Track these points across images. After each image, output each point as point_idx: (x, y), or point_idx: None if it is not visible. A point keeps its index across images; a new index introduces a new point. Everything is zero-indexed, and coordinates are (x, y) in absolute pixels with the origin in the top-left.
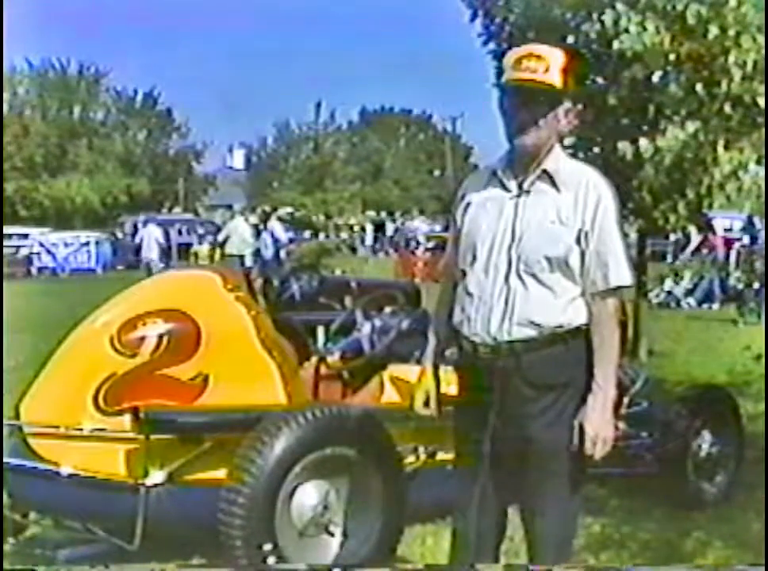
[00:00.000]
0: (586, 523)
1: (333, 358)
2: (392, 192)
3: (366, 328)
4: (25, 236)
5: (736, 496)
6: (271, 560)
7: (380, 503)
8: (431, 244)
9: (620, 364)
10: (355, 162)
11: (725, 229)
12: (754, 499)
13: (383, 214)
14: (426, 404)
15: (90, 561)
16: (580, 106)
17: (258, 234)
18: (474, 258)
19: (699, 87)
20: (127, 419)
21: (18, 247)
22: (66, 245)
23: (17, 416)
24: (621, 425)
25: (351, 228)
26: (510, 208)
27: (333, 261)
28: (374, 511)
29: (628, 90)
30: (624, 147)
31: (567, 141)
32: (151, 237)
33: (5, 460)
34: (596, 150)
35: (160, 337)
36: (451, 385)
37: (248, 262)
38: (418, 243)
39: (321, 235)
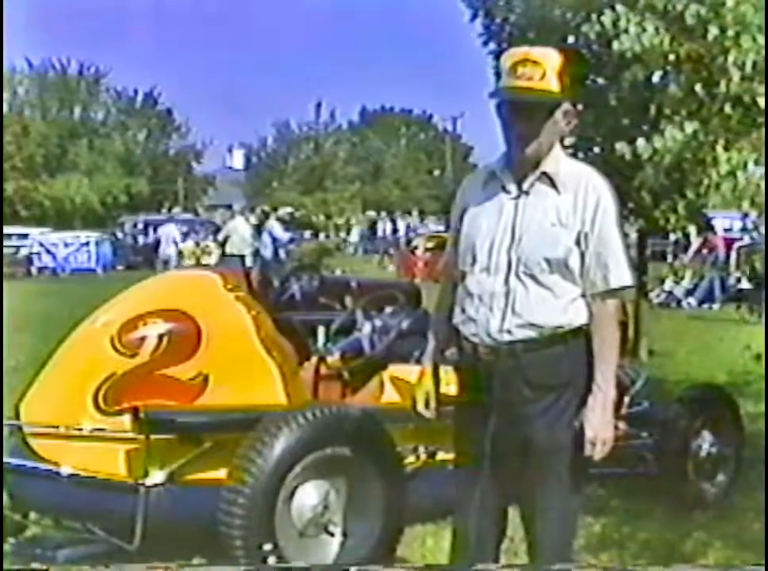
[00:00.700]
0: (586, 523)
1: (333, 358)
2: (392, 192)
3: (367, 328)
4: (25, 236)
5: (736, 496)
6: (271, 560)
7: (380, 504)
8: (431, 244)
9: (620, 364)
10: (355, 162)
11: (725, 229)
12: (754, 499)
13: (383, 214)
14: (426, 404)
15: (90, 561)
16: (579, 106)
17: (258, 234)
18: (474, 259)
19: (698, 87)
20: (127, 419)
21: (18, 247)
22: (66, 245)
23: (17, 416)
24: (621, 425)
25: (349, 229)
26: (510, 210)
27: (333, 261)
28: (374, 511)
29: (628, 90)
30: (622, 147)
31: (567, 141)
32: (169, 237)
33: (5, 460)
34: (596, 150)
35: (160, 337)
36: (450, 385)
37: (248, 262)
38: (409, 242)
39: (321, 235)
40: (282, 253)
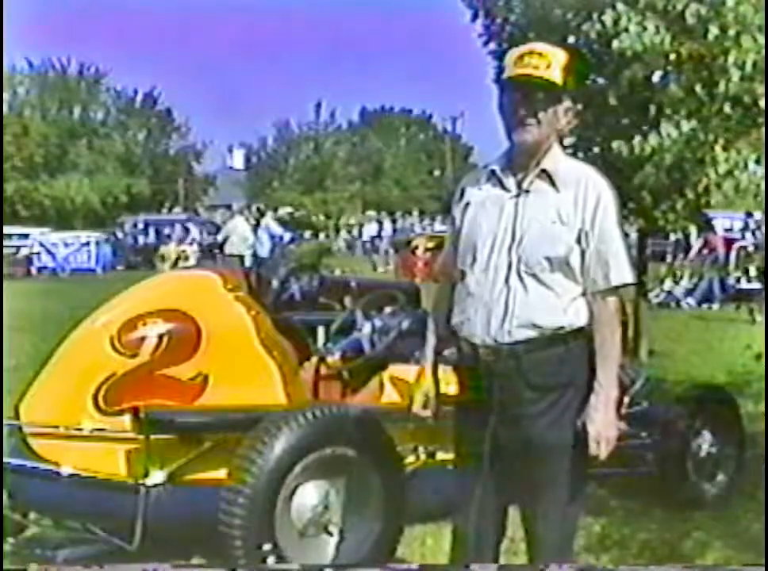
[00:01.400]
0: (586, 523)
1: (333, 358)
2: (392, 192)
3: (367, 328)
4: (25, 236)
5: (736, 496)
6: (271, 560)
7: (380, 503)
8: (431, 244)
9: (620, 364)
10: (355, 162)
11: (725, 229)
12: (754, 499)
13: (383, 214)
14: (425, 404)
15: (90, 561)
16: (580, 106)
17: (256, 233)
18: (474, 258)
19: (698, 87)
20: (127, 419)
21: (18, 247)
22: (66, 245)
23: (17, 416)
24: (621, 425)
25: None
26: (510, 208)
27: (333, 261)
28: (374, 511)
29: (628, 89)
30: (620, 145)
31: (567, 141)
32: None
33: (5, 460)
34: (596, 150)
35: (160, 337)
36: (450, 386)
37: (248, 262)
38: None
39: (321, 236)
40: (273, 252)
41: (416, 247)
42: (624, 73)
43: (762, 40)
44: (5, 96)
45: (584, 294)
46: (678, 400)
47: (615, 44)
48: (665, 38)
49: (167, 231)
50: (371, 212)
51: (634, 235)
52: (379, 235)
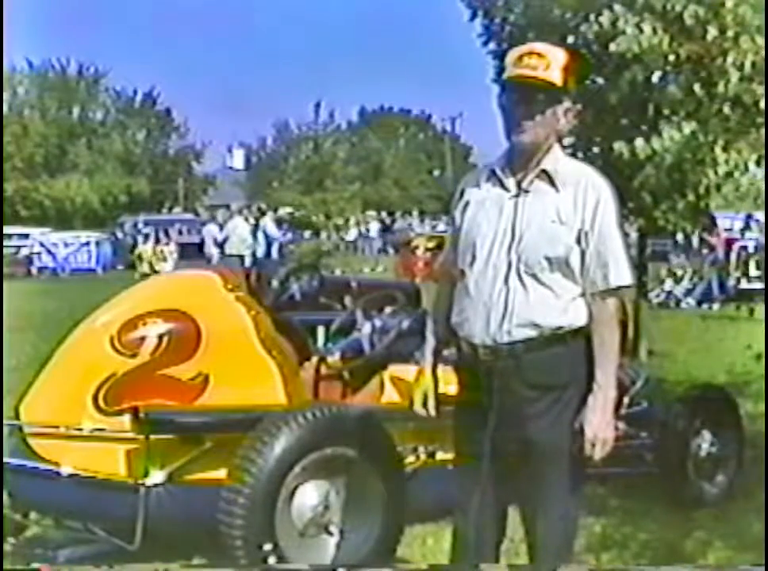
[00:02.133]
0: (587, 523)
1: (333, 358)
2: (392, 192)
3: (367, 328)
4: (25, 236)
5: (736, 496)
6: (271, 560)
7: (380, 503)
8: (431, 244)
9: (620, 364)
10: (355, 162)
11: (725, 229)
12: (754, 499)
13: (383, 214)
14: (424, 404)
15: (90, 561)
16: (579, 106)
17: (255, 233)
18: (474, 258)
19: (698, 88)
20: (127, 419)
21: (18, 247)
22: (66, 245)
23: (17, 416)
24: (621, 425)
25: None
26: (510, 208)
27: (333, 261)
28: (374, 511)
29: (628, 90)
30: (621, 147)
31: (567, 141)
32: (209, 236)
33: (5, 460)
34: (596, 150)
35: (160, 337)
36: (450, 385)
37: (248, 262)
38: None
39: (322, 235)
40: (273, 250)
41: (416, 247)
42: (624, 74)
43: (760, 40)
44: (5, 96)
45: (583, 294)
46: (678, 400)
47: (613, 46)
48: (663, 39)
49: (145, 231)
50: (371, 212)
51: (634, 235)
52: (364, 235)
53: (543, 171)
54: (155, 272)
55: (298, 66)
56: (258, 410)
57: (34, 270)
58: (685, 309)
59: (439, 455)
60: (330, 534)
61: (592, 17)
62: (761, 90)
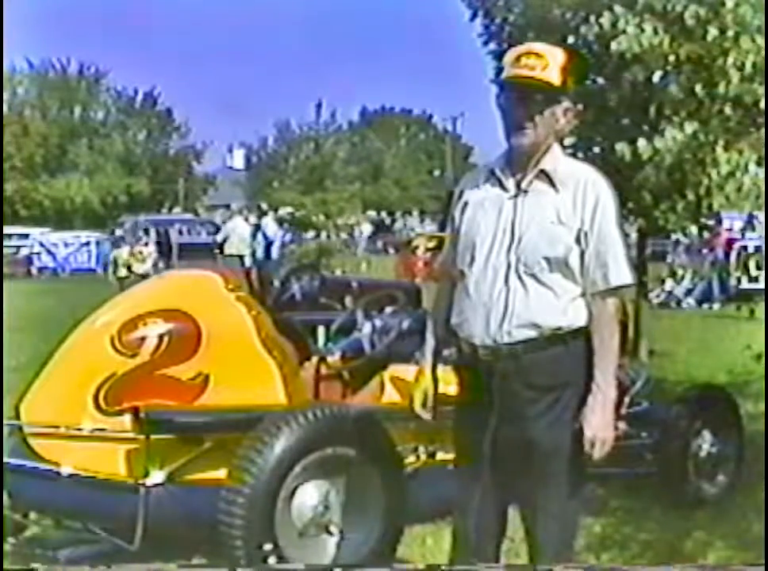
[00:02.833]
0: (587, 523)
1: (334, 358)
2: (392, 192)
3: (367, 328)
4: (25, 236)
5: (736, 496)
6: (271, 560)
7: (380, 503)
8: (431, 244)
9: (620, 364)
10: (355, 162)
11: (725, 229)
12: (754, 499)
13: (383, 214)
14: (423, 403)
15: (90, 561)
16: (579, 106)
17: (254, 234)
18: (473, 258)
19: (698, 88)
20: (127, 419)
21: (18, 247)
22: (66, 245)
23: (17, 416)
24: (621, 425)
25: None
26: (509, 208)
27: (335, 261)
28: (374, 511)
29: (628, 90)
30: (622, 147)
31: (567, 141)
32: (235, 231)
33: (5, 460)
34: (596, 150)
35: (161, 337)
36: (450, 385)
37: (248, 262)
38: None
39: (321, 235)
40: (274, 252)
41: (416, 247)
42: (624, 74)
43: (761, 41)
44: (5, 96)
45: (583, 295)
46: (678, 400)
47: (613, 46)
48: (664, 40)
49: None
50: (371, 212)
51: (634, 235)
52: (351, 236)
53: (543, 171)
54: (133, 274)
55: (299, 66)
56: (258, 410)
57: (34, 270)
58: (685, 309)
59: (440, 455)
60: (330, 534)
61: (592, 17)
62: (761, 90)
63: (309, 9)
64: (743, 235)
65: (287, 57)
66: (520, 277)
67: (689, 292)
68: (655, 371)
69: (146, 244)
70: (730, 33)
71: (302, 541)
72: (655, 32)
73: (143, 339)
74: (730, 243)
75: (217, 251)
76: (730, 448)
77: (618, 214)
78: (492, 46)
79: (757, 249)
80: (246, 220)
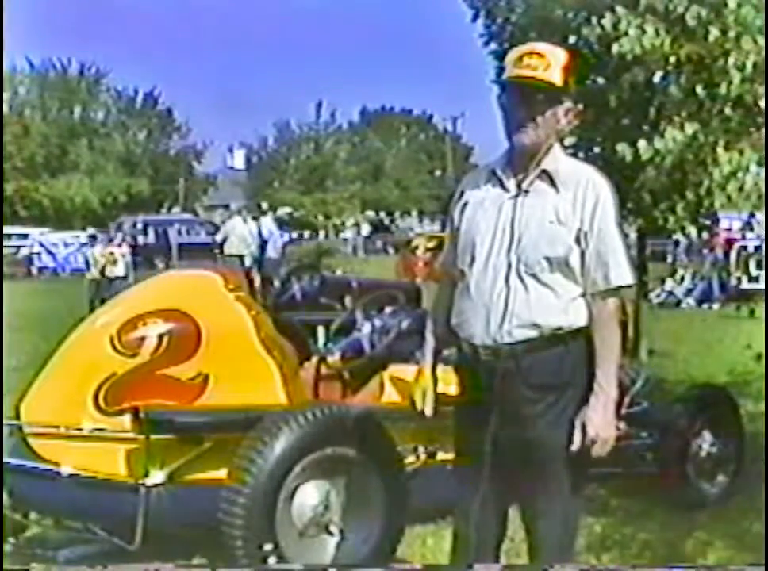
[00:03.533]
0: (587, 523)
1: (333, 358)
2: (392, 192)
3: (367, 328)
4: (25, 236)
5: (736, 496)
6: (272, 560)
7: (380, 503)
8: (431, 244)
9: (620, 364)
10: (355, 162)
11: (725, 229)
12: (755, 499)
13: (382, 214)
14: (423, 403)
15: (90, 561)
16: (580, 106)
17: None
18: (473, 258)
19: (699, 89)
20: (127, 419)
21: (18, 247)
22: (66, 245)
23: (17, 416)
24: (621, 425)
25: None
26: (509, 208)
27: (333, 261)
28: (374, 511)
29: (629, 91)
30: (623, 148)
31: (567, 141)
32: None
33: (5, 460)
34: (596, 150)
35: (160, 337)
36: (450, 386)
37: (248, 262)
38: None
39: (321, 235)
40: (274, 252)
41: (416, 247)
42: (625, 75)
43: (762, 41)
44: (5, 96)
45: (583, 294)
46: (678, 400)
47: (615, 47)
48: (665, 40)
49: (90, 232)
50: (370, 212)
51: (634, 235)
52: (351, 235)
53: (544, 171)
54: (105, 277)
55: (299, 66)
56: (258, 410)
57: (34, 270)
58: (685, 309)
59: (440, 455)
60: (330, 534)
61: (594, 18)
62: (762, 90)
63: (309, 9)
64: (742, 235)
65: (288, 57)
66: (520, 277)
67: (689, 292)
68: (655, 371)
69: (119, 245)
70: (731, 34)
71: (302, 541)
72: (657, 32)
73: (143, 339)
74: (730, 242)
75: (217, 250)
76: (730, 448)
77: (618, 214)
78: (493, 46)
79: (757, 249)
80: (245, 220)
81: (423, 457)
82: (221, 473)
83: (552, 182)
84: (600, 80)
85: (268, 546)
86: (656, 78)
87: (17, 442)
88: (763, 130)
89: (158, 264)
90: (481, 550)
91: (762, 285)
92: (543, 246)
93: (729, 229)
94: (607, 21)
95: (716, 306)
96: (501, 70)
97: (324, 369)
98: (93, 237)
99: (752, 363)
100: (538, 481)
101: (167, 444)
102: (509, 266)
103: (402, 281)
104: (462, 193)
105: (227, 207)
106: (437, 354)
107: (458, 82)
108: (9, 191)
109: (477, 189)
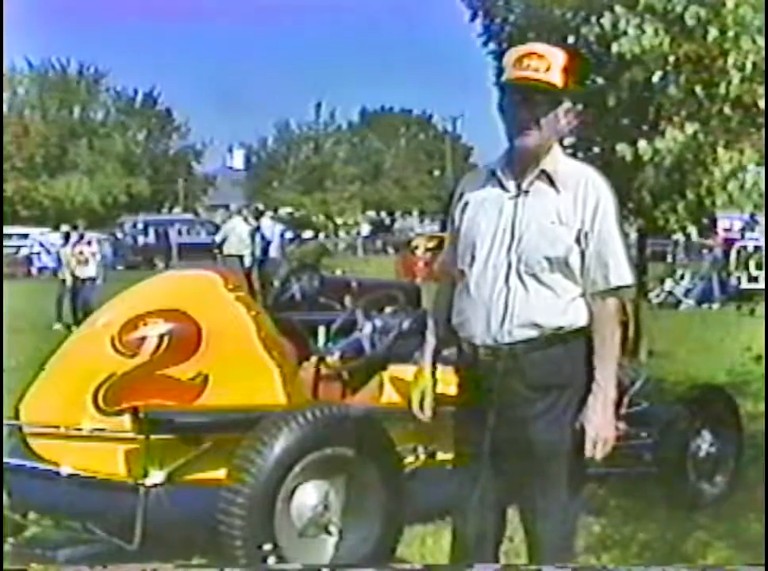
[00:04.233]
0: (586, 523)
1: (333, 358)
2: (392, 192)
3: (367, 328)
4: (25, 236)
5: (736, 496)
6: (271, 560)
7: (380, 504)
8: (431, 244)
9: (620, 364)
10: (355, 162)
11: (725, 229)
12: (754, 499)
13: (382, 214)
14: (421, 403)
15: (90, 561)
16: (580, 106)
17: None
18: (473, 258)
19: (698, 89)
20: (127, 419)
21: (18, 247)
22: None
23: (17, 416)
24: (621, 425)
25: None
26: (509, 209)
27: (333, 261)
28: (373, 511)
29: (628, 91)
30: (623, 149)
31: (567, 141)
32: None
33: (5, 460)
34: (596, 150)
35: (161, 337)
36: (450, 386)
37: (248, 262)
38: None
39: (321, 235)
40: (274, 252)
41: (416, 247)
42: (624, 75)
43: (761, 41)
44: (5, 96)
45: (583, 295)
46: (678, 400)
47: (614, 47)
48: (664, 40)
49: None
50: (371, 212)
51: (634, 235)
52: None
53: (543, 172)
54: (76, 278)
55: (299, 66)
56: (258, 410)
57: (34, 270)
58: (685, 309)
59: (439, 455)
60: (329, 534)
61: (593, 18)
62: (761, 90)
63: (309, 9)
64: (742, 235)
65: (288, 57)
66: (520, 277)
67: (688, 292)
68: (655, 371)
69: (89, 243)
70: (730, 34)
71: (302, 541)
72: (656, 32)
73: (143, 339)
74: (730, 242)
75: (217, 251)
76: (729, 448)
77: (618, 215)
78: (492, 46)
79: (757, 249)
80: (245, 220)
81: (422, 457)
82: (221, 473)
83: (552, 183)
84: (600, 80)
85: (267, 546)
86: (655, 78)
87: (16, 442)
88: (763, 130)
89: (158, 264)
90: (481, 550)
91: (762, 285)
92: (543, 246)
93: (729, 229)
94: (606, 21)
95: (715, 306)
96: (500, 70)
97: (323, 369)
98: (66, 235)
99: (752, 363)
100: (537, 481)
101: (166, 444)
102: (509, 266)
103: (402, 281)
104: (462, 193)
105: (227, 207)
106: (437, 354)
107: (458, 82)
108: (9, 191)
109: (477, 190)
